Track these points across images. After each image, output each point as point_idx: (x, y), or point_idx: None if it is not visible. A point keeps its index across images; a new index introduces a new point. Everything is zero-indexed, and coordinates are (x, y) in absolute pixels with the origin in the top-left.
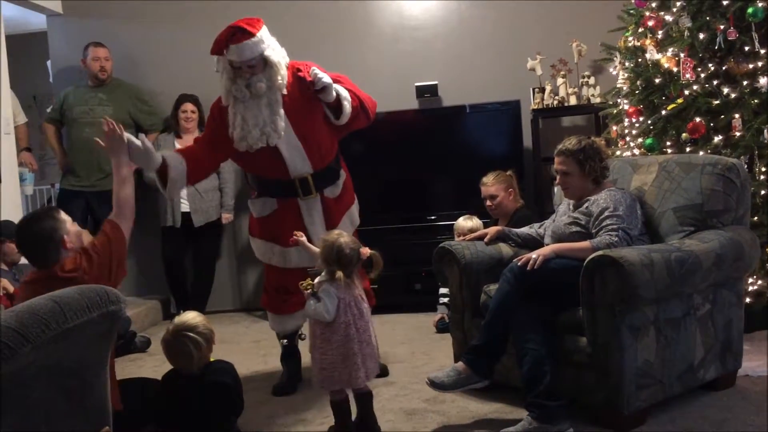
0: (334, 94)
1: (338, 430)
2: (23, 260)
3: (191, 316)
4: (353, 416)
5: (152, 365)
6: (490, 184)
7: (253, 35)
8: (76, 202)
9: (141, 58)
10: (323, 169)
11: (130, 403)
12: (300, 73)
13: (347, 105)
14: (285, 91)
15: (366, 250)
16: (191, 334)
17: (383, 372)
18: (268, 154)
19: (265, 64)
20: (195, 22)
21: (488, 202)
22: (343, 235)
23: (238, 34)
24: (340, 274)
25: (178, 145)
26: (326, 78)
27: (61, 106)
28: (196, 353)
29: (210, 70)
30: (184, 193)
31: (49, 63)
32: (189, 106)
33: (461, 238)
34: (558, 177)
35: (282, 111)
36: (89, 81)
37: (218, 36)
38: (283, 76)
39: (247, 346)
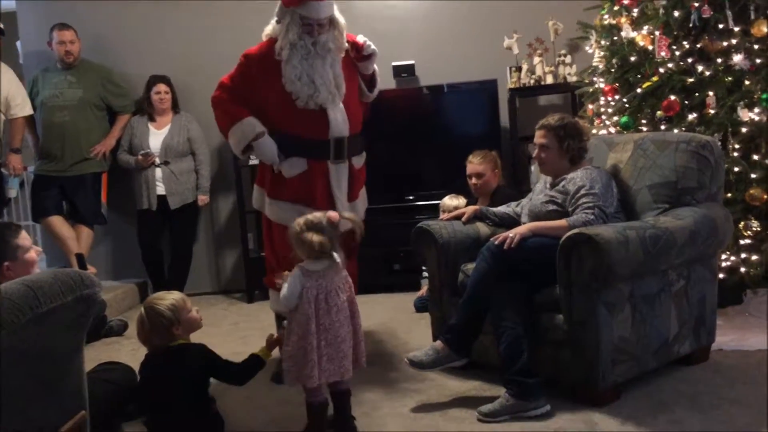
0: (374, 67)
1: None
2: None
3: (165, 297)
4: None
5: (129, 348)
6: (478, 162)
7: None
8: (51, 187)
9: (112, 38)
10: (356, 135)
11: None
12: (348, 37)
13: (378, 80)
14: (342, 54)
15: (333, 215)
16: (143, 309)
17: None
18: (313, 112)
19: (331, 24)
20: (165, 3)
21: (474, 180)
22: (309, 215)
23: None
24: (314, 236)
25: (151, 128)
26: (374, 47)
27: (31, 90)
28: (140, 330)
29: (182, 50)
30: (159, 175)
31: (18, 44)
32: (162, 87)
33: (445, 215)
34: (536, 151)
35: (341, 72)
36: (58, 63)
37: None
38: (345, 38)
39: (226, 329)
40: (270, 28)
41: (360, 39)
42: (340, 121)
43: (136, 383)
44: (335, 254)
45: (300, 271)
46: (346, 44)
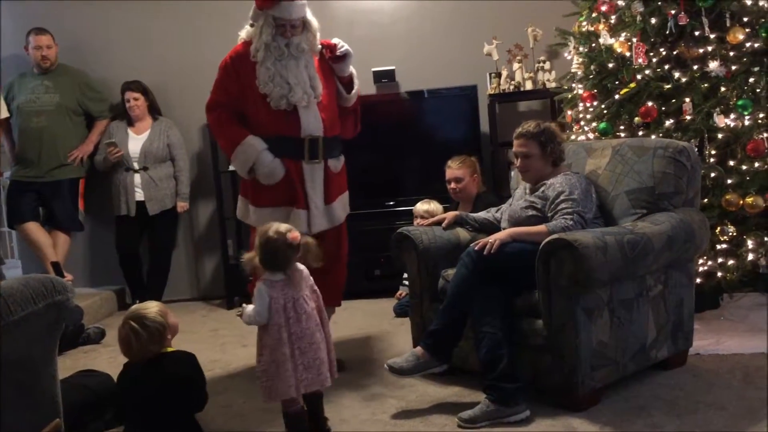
0: (351, 69)
1: None
2: None
3: (147, 306)
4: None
5: (107, 357)
6: (457, 167)
7: None
8: (27, 193)
9: (90, 42)
10: (331, 138)
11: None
12: (322, 41)
13: (356, 83)
14: (317, 56)
15: (295, 235)
16: (133, 323)
17: (339, 367)
18: (286, 113)
19: (304, 26)
20: (145, 7)
21: (453, 185)
22: (279, 224)
23: None
24: (248, 255)
25: (131, 132)
26: (348, 47)
27: (7, 95)
28: (135, 343)
29: (162, 55)
30: (137, 181)
31: None
32: (131, 95)
33: (419, 221)
34: (518, 160)
35: (317, 73)
36: (34, 68)
37: None
38: (318, 40)
39: (205, 335)
40: (245, 31)
41: (334, 41)
42: (312, 121)
43: (113, 390)
44: (298, 263)
45: (264, 284)
46: (320, 47)
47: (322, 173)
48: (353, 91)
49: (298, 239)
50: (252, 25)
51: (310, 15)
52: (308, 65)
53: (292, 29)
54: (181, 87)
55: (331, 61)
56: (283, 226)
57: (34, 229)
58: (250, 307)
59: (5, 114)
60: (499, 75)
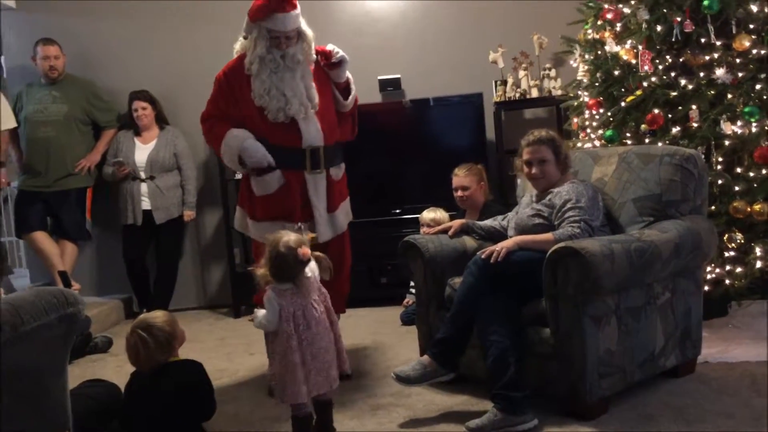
0: (347, 74)
1: None
2: None
3: (154, 315)
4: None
5: (115, 365)
6: (463, 175)
7: (296, 7)
8: (35, 203)
9: (97, 52)
10: (332, 146)
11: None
12: (317, 47)
13: (353, 89)
14: (312, 66)
15: (305, 251)
16: (140, 332)
17: (345, 375)
18: (285, 125)
19: (298, 37)
20: (151, 17)
21: (459, 193)
22: (289, 235)
23: (285, 3)
24: (262, 272)
25: (137, 142)
26: (343, 54)
27: (15, 105)
28: (143, 351)
29: (169, 64)
30: (144, 190)
31: (2, 59)
32: (139, 104)
33: (425, 229)
34: (532, 167)
35: (313, 83)
36: (42, 78)
37: (261, 2)
38: (313, 49)
39: (212, 344)
40: (239, 44)
41: (329, 47)
42: (312, 132)
43: (120, 400)
44: (307, 270)
45: (274, 292)
46: (315, 55)
47: (324, 182)
48: (350, 97)
49: (309, 255)
50: (246, 38)
51: (304, 25)
52: (304, 76)
53: (286, 41)
54: (188, 96)
55: (327, 67)
56: (293, 240)
57: (41, 238)
58: (261, 313)
59: (13, 124)
60: (504, 83)
